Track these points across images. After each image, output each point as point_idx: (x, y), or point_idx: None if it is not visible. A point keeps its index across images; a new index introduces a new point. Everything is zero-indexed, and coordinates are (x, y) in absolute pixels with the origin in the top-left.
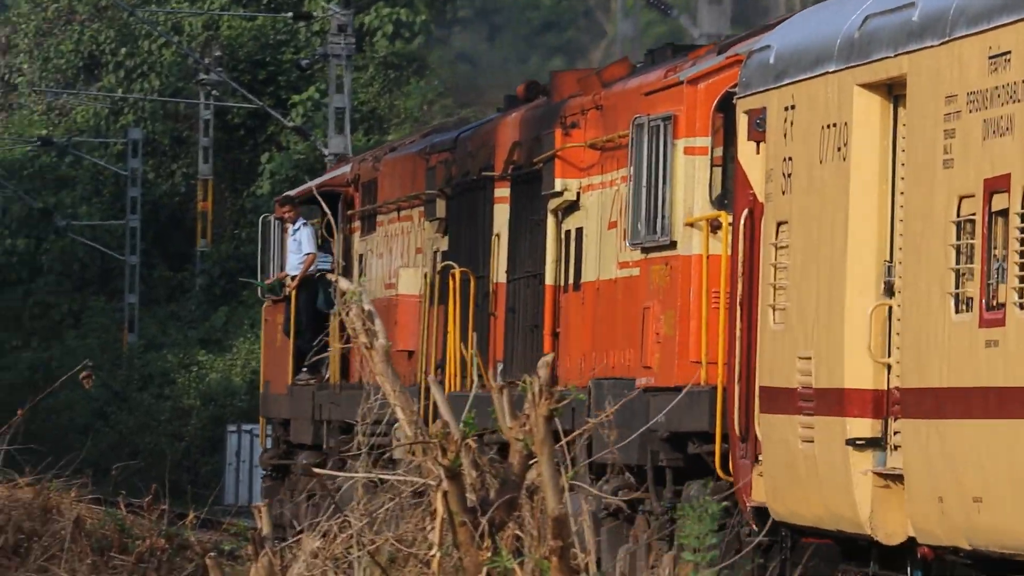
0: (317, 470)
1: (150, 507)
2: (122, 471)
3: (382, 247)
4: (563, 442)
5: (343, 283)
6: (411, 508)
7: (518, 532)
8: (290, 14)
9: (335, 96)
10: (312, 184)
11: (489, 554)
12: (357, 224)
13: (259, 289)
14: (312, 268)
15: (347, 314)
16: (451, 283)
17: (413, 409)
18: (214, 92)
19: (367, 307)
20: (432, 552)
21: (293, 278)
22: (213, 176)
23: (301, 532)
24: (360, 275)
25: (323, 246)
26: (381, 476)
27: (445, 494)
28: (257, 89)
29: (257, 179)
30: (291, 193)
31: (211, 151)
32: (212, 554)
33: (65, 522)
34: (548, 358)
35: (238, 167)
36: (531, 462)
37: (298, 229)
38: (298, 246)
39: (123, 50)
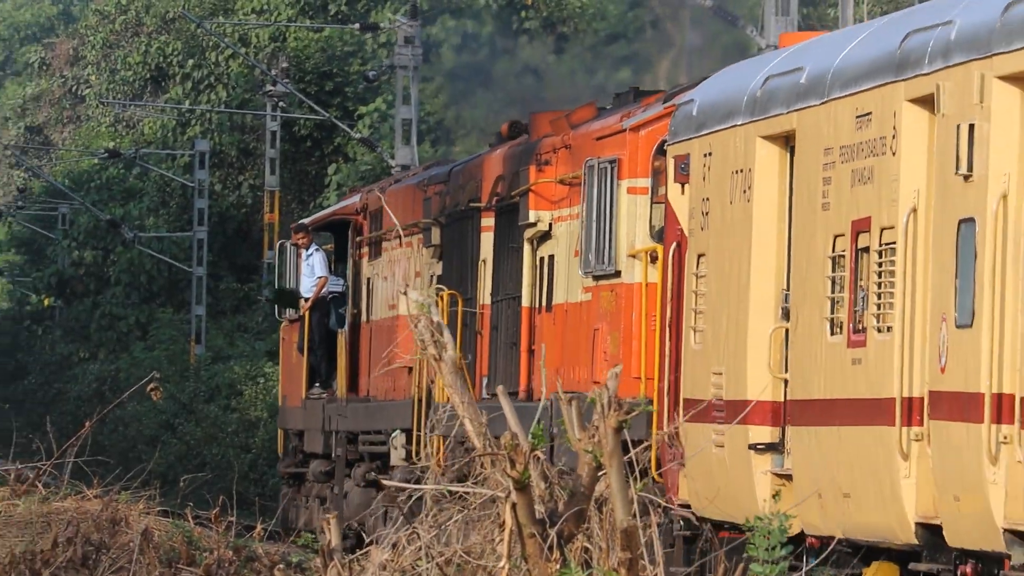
0: (385, 481)
1: (217, 519)
2: (190, 483)
3: (386, 271)
4: (631, 454)
5: (412, 295)
6: (479, 520)
7: (587, 544)
8: (357, 25)
9: (402, 107)
10: (325, 213)
11: (557, 566)
12: (365, 250)
13: (275, 309)
14: (324, 291)
15: (415, 325)
16: (440, 304)
17: (482, 421)
18: (281, 103)
19: (436, 319)
20: (500, 564)
21: (307, 300)
22: (280, 187)
23: (371, 544)
24: (368, 297)
25: (335, 270)
26: (450, 488)
27: (514, 506)
28: (324, 100)
29: (324, 190)
30: (305, 221)
31: (278, 162)
32: (280, 566)
33: (133, 534)
34: (616, 369)
35: (305, 178)
36: (600, 473)
37: (311, 254)
38: (311, 270)
39: (190, 62)
